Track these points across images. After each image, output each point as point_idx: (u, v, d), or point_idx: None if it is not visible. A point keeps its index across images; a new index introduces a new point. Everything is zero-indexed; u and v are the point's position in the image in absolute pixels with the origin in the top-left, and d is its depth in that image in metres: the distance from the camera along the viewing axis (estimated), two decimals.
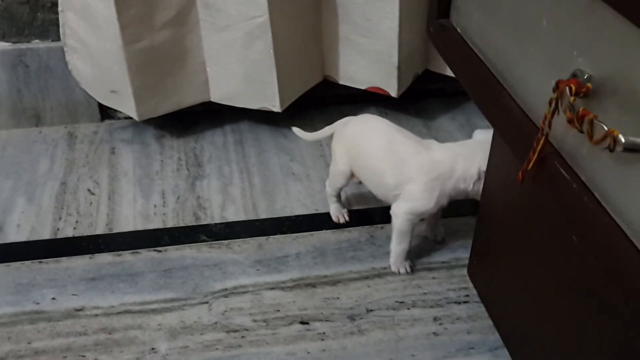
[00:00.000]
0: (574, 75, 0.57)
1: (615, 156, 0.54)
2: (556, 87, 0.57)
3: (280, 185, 1.30)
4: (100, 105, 1.45)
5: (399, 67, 1.35)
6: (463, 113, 1.52)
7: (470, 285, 1.08)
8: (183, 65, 1.33)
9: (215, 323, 1.00)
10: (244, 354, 0.96)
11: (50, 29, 1.37)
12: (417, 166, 1.01)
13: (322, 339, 0.98)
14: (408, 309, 1.03)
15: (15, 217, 1.21)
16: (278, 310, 1.03)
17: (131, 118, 1.38)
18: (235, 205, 1.25)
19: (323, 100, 1.52)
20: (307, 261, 1.12)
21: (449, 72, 1.33)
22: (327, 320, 1.01)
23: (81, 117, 1.47)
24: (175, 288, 1.06)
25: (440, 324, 1.01)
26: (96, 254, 1.13)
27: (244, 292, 1.06)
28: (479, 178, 1.00)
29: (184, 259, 1.12)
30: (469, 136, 1.08)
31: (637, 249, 0.53)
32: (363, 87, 1.43)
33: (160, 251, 1.14)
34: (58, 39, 1.35)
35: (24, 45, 1.38)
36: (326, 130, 1.17)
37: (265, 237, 1.17)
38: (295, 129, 1.22)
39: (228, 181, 1.31)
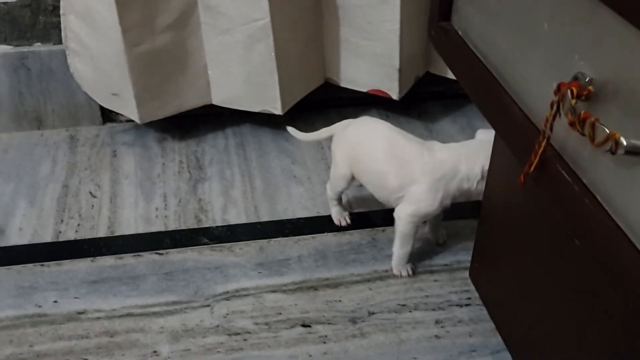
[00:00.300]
0: (575, 78, 0.57)
1: (617, 159, 0.54)
2: (558, 90, 0.57)
3: (281, 188, 1.30)
4: (102, 108, 1.45)
5: (400, 70, 1.35)
6: (464, 115, 1.52)
7: (472, 287, 1.08)
8: (184, 68, 1.33)
9: (217, 326, 1.00)
10: (245, 357, 0.96)
11: (52, 32, 1.37)
12: (421, 167, 1.01)
13: (324, 342, 0.98)
14: (410, 311, 1.03)
15: (17, 220, 1.21)
16: (280, 313, 1.03)
17: (133, 121, 1.38)
18: (236, 208, 1.25)
19: (324, 103, 1.52)
20: (309, 264, 1.12)
21: (450, 75, 1.33)
22: (329, 323, 1.01)
23: (83, 120, 1.47)
24: (177, 291, 1.06)
25: (442, 326, 1.01)
26: (98, 257, 1.13)
27: (245, 295, 1.06)
28: (482, 177, 1.00)
29: (186, 261, 1.12)
30: (470, 138, 1.08)
31: (639, 251, 0.53)
32: (364, 90, 1.43)
33: (161, 254, 1.14)
34: (60, 42, 1.35)
35: (25, 49, 1.38)
36: (323, 132, 1.17)
37: (267, 239, 1.17)
38: (291, 129, 1.21)
39: (229, 184, 1.31)
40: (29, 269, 1.11)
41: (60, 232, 1.19)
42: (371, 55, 1.36)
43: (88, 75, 1.35)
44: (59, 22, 1.31)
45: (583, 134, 0.55)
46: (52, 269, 1.11)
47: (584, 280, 0.74)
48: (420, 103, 1.56)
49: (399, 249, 1.07)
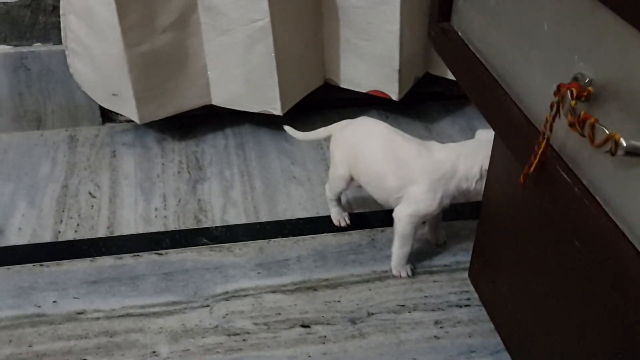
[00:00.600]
0: (575, 79, 0.57)
1: (617, 160, 0.54)
2: (557, 91, 0.57)
3: (281, 189, 1.30)
4: (102, 109, 1.45)
5: (399, 71, 1.35)
6: (464, 116, 1.53)
7: (471, 288, 1.08)
8: (184, 68, 1.33)
9: (217, 326, 1.00)
10: (245, 357, 0.96)
11: (51, 32, 1.37)
12: (420, 168, 1.01)
13: (323, 343, 0.98)
14: (409, 312, 1.03)
15: (16, 220, 1.21)
16: (279, 314, 1.03)
17: (132, 121, 1.38)
18: (236, 209, 1.25)
19: (324, 104, 1.52)
20: (308, 264, 1.12)
21: (450, 76, 1.33)
22: (328, 324, 1.01)
23: (82, 120, 1.47)
24: (176, 291, 1.06)
25: (441, 327, 1.01)
26: (97, 257, 1.13)
27: (245, 296, 1.06)
28: (481, 177, 1.00)
29: (185, 262, 1.12)
30: (470, 139, 1.08)
31: (639, 252, 0.53)
32: (364, 91, 1.43)
33: (161, 254, 1.14)
34: (59, 42, 1.35)
35: (25, 49, 1.38)
36: (321, 132, 1.17)
37: (266, 240, 1.17)
38: (288, 128, 1.21)
39: (229, 184, 1.31)
40: (29, 269, 1.10)
41: (59, 232, 1.19)
42: (371, 56, 1.36)
43: (88, 75, 1.35)
44: (59, 22, 1.31)
45: (583, 135, 0.55)
46: (52, 269, 1.11)
47: (583, 281, 0.74)
48: (420, 104, 1.56)
49: (399, 250, 1.07)
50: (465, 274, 1.10)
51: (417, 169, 1.02)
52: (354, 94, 1.44)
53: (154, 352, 0.96)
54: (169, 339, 0.98)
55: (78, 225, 1.20)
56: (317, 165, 1.37)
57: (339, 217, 1.20)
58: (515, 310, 0.94)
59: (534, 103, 0.67)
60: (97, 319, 1.02)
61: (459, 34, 0.85)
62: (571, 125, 0.56)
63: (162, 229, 1.20)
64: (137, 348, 0.97)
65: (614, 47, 0.53)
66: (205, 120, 1.48)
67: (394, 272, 1.09)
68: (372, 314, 1.03)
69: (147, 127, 1.45)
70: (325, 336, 0.99)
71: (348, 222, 1.20)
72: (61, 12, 1.29)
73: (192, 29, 1.30)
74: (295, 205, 1.26)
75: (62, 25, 1.31)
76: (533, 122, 0.67)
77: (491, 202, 0.99)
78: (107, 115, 1.48)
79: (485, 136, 1.02)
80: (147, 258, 1.13)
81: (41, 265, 1.11)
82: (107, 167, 1.36)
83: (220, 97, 1.39)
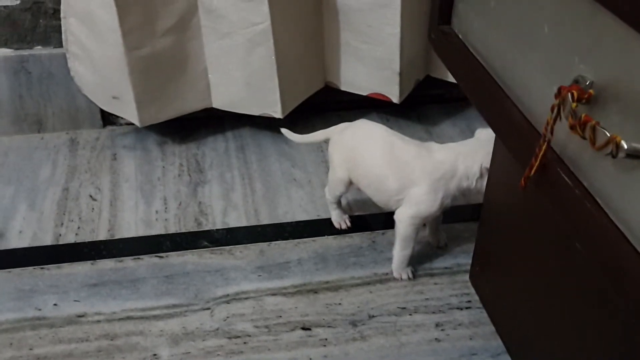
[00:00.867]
0: (575, 82, 0.57)
1: (618, 162, 0.54)
2: (558, 93, 0.57)
3: (281, 191, 1.30)
4: (102, 112, 1.45)
5: (400, 73, 1.35)
6: (464, 119, 1.53)
7: (472, 291, 1.08)
8: (185, 71, 1.34)
9: (217, 329, 1.00)
10: None
11: (52, 35, 1.37)
12: (420, 168, 1.01)
13: (324, 345, 0.98)
14: (410, 315, 1.03)
15: (17, 223, 1.21)
16: (280, 316, 1.03)
17: (133, 124, 1.39)
18: (236, 211, 1.25)
19: (324, 107, 1.52)
20: (309, 267, 1.12)
21: (450, 78, 1.33)
22: (329, 326, 1.01)
23: (83, 123, 1.48)
24: (177, 294, 1.06)
25: (442, 330, 1.01)
26: (98, 260, 1.13)
27: (245, 298, 1.06)
28: (481, 175, 1.00)
29: (186, 265, 1.12)
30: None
31: (639, 253, 0.53)
32: (364, 94, 1.43)
33: (162, 257, 1.14)
34: (60, 45, 1.35)
35: (26, 52, 1.38)
36: (319, 135, 1.17)
37: (267, 243, 1.17)
38: (285, 131, 1.21)
39: (229, 187, 1.31)
40: (29, 272, 1.10)
41: (60, 235, 1.19)
42: (371, 59, 1.36)
43: (88, 78, 1.35)
44: (60, 26, 1.32)
45: (584, 138, 0.55)
46: (52, 272, 1.11)
47: (584, 284, 0.74)
48: (421, 106, 1.56)
49: (400, 252, 1.07)
50: (466, 276, 1.10)
51: (417, 170, 1.02)
52: (355, 96, 1.44)
53: (154, 355, 0.96)
54: (170, 342, 0.98)
55: (79, 228, 1.20)
56: (317, 167, 1.37)
57: (339, 219, 1.20)
58: (516, 312, 0.94)
59: (534, 105, 0.67)
60: (98, 322, 1.02)
61: (460, 36, 0.85)
62: (572, 127, 0.56)
63: (162, 232, 1.20)
64: (137, 351, 0.97)
65: (614, 49, 0.53)
66: (205, 123, 1.49)
67: (395, 274, 1.09)
68: (373, 316, 1.03)
69: (147, 130, 1.45)
70: (326, 339, 0.99)
71: (349, 224, 1.20)
72: (62, 15, 1.29)
73: (192, 32, 1.30)
74: (295, 207, 1.26)
75: (62, 29, 1.31)
76: (534, 125, 0.67)
77: (492, 204, 0.99)
78: (108, 118, 1.48)
79: (485, 135, 1.02)
80: (148, 261, 1.13)
81: (42, 268, 1.11)
82: (108, 170, 1.36)
83: (221, 100, 1.39)
